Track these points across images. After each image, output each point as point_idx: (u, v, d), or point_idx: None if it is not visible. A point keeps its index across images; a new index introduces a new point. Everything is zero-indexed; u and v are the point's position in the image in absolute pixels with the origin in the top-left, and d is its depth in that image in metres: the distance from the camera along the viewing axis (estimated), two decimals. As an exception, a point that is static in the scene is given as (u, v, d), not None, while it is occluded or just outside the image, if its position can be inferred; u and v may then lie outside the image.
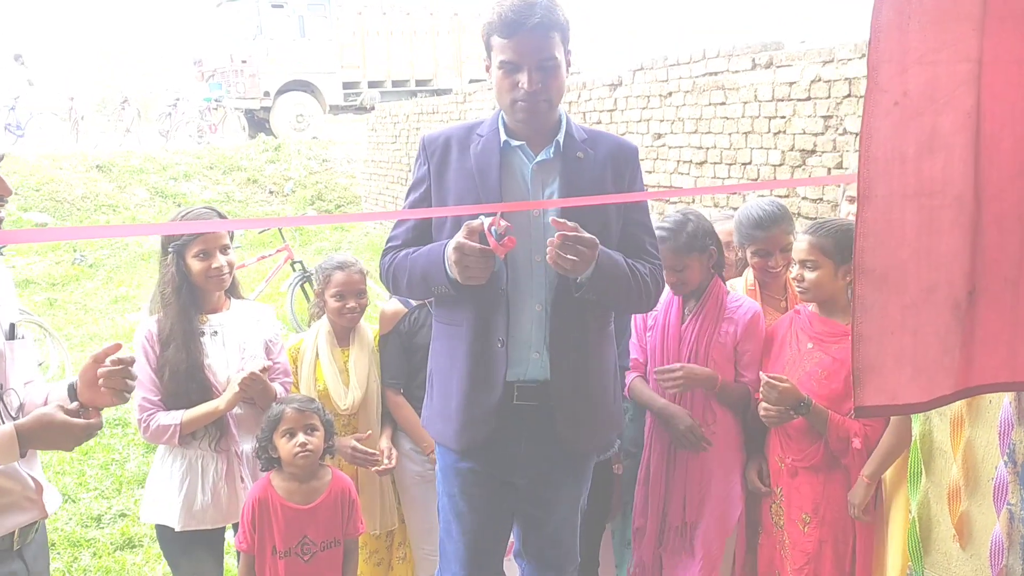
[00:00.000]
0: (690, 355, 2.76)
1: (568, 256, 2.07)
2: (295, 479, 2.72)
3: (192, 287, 2.77)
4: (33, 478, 2.07)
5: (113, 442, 5.52)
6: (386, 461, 3.05)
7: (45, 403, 2.07)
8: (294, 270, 8.54)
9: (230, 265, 2.80)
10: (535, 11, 2.15)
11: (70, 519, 4.52)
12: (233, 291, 2.94)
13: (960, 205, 1.23)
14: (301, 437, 2.66)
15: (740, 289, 3.04)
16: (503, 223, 2.05)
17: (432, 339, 2.52)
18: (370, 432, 3.08)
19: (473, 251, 2.09)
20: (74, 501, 4.71)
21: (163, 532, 2.85)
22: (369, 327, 3.24)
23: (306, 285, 8.35)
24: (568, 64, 2.28)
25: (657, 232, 2.62)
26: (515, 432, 2.37)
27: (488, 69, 2.31)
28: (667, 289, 2.86)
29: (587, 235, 2.10)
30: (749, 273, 3.07)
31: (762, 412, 2.60)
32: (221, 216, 2.89)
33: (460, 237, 2.11)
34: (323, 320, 3.17)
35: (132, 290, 10.54)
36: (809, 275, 2.59)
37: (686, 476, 2.77)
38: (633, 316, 2.92)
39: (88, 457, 5.30)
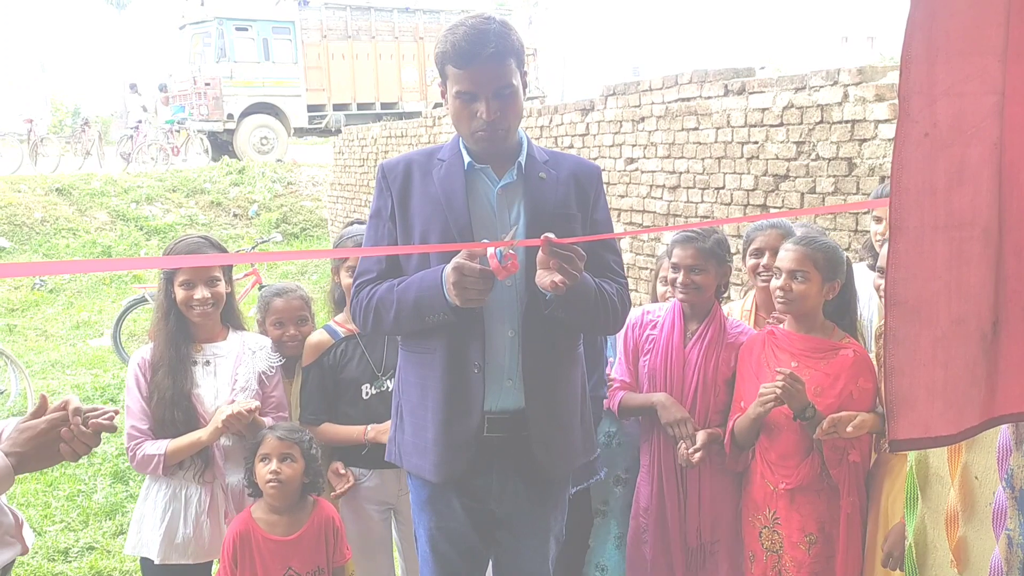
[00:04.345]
0: (696, 378, 2.75)
1: (572, 271, 2.05)
2: (275, 511, 2.67)
3: (180, 315, 2.73)
4: (12, 512, 2.02)
5: (79, 472, 5.36)
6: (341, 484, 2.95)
7: None
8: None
9: (216, 296, 2.75)
10: (489, 40, 2.13)
11: (36, 553, 4.37)
12: (233, 321, 2.90)
13: (987, 237, 1.24)
14: (273, 464, 2.61)
15: (737, 312, 3.04)
16: (511, 252, 2.03)
17: (399, 369, 2.47)
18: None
19: (473, 272, 2.05)
20: (40, 534, 4.57)
21: (146, 565, 2.79)
22: None
23: (274, 310, 8.24)
24: (525, 86, 2.27)
25: (684, 234, 2.76)
26: (489, 461, 2.33)
27: (444, 95, 2.30)
28: (667, 312, 2.86)
29: (578, 249, 2.08)
30: (749, 297, 3.08)
31: (764, 392, 2.51)
32: (214, 245, 2.82)
33: (459, 259, 2.08)
34: None
35: (94, 316, 10.35)
36: (798, 286, 2.56)
37: (699, 495, 2.76)
38: (624, 341, 2.91)
39: (53, 488, 5.15)
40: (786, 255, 2.60)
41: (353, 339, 2.97)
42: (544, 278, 2.07)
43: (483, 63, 2.14)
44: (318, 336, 3.04)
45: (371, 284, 2.33)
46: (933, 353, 1.24)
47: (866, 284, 3.05)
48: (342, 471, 2.97)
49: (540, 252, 2.07)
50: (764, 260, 2.91)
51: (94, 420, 1.84)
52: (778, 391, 2.45)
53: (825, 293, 2.60)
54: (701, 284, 2.75)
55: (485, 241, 2.15)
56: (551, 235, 2.03)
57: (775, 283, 2.62)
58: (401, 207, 2.32)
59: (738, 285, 5.41)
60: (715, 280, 2.79)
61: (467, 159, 2.30)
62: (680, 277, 2.76)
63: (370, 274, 2.35)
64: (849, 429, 2.42)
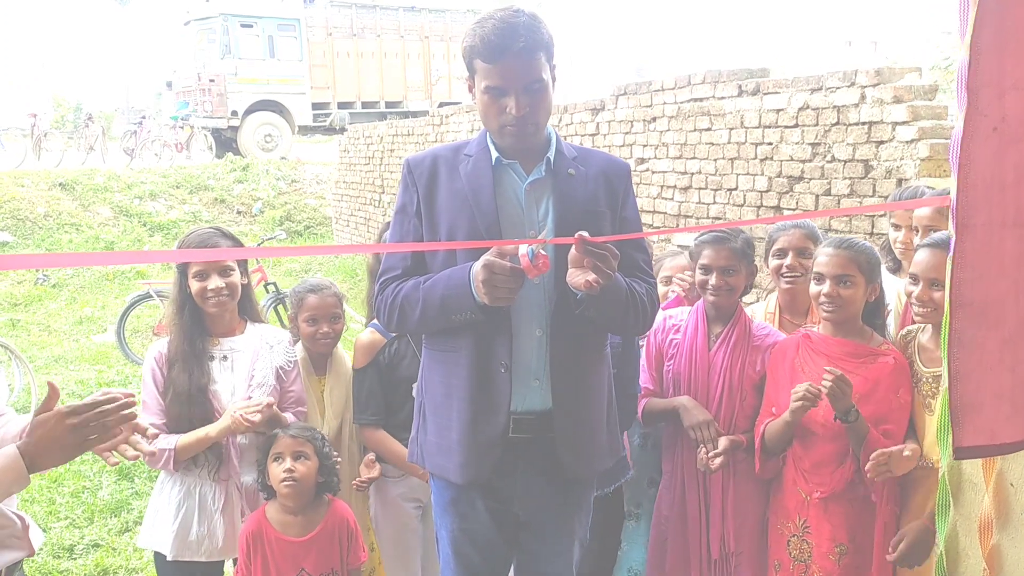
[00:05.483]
0: (722, 382, 2.68)
1: (606, 271, 2.00)
2: (289, 511, 2.63)
3: (195, 308, 2.69)
4: (18, 515, 2.02)
5: (84, 469, 5.32)
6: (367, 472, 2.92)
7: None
8: (267, 292, 8.40)
9: (231, 287, 2.70)
10: (519, 33, 2.09)
11: (41, 550, 4.31)
12: (251, 314, 2.85)
13: (1055, 235, 1.19)
14: (287, 463, 2.57)
15: (760, 314, 2.99)
16: (542, 253, 1.98)
17: (422, 368, 2.42)
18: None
19: (503, 270, 2.01)
20: (45, 531, 4.52)
21: (159, 560, 2.77)
22: (347, 355, 3.12)
23: (279, 307, 8.21)
24: (554, 79, 2.22)
25: (713, 234, 2.72)
26: (514, 462, 2.29)
27: (471, 89, 2.25)
28: (690, 315, 2.80)
29: (612, 248, 2.04)
30: (771, 299, 3.03)
31: (797, 392, 2.45)
32: (226, 236, 2.79)
33: (489, 256, 2.03)
34: (298, 346, 3.05)
35: (97, 311, 10.31)
36: (846, 291, 2.49)
37: (724, 504, 2.70)
38: (647, 345, 2.86)
39: (58, 485, 5.10)
40: (829, 260, 2.52)
41: (404, 337, 2.93)
42: (577, 277, 2.02)
43: (513, 57, 2.09)
44: (369, 336, 2.99)
45: (396, 281, 2.29)
46: (1000, 356, 1.19)
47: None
48: (373, 462, 2.94)
49: (573, 250, 2.03)
50: (788, 261, 2.85)
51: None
52: (826, 387, 2.36)
53: (867, 295, 2.54)
54: (734, 285, 2.70)
55: (515, 239, 2.11)
56: (585, 233, 1.98)
57: (816, 288, 2.54)
58: (427, 203, 2.28)
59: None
60: (745, 281, 2.74)
61: (495, 154, 2.25)
62: (712, 279, 2.69)
63: (395, 271, 2.30)
64: (907, 453, 2.36)
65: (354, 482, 2.91)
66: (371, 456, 2.95)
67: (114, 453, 1.99)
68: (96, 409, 1.77)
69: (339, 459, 2.79)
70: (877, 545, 2.49)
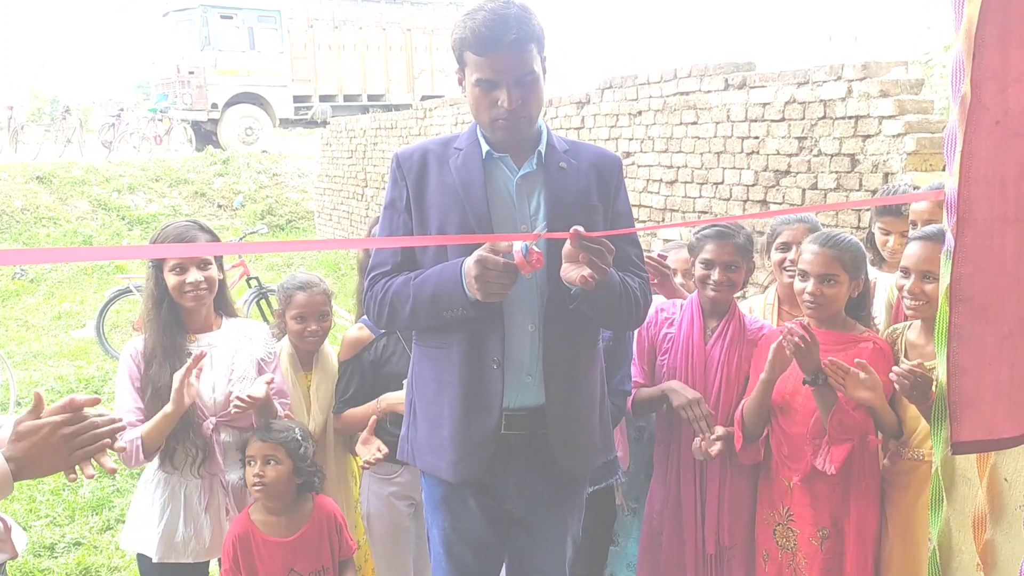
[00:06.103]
0: (720, 376, 2.68)
1: (601, 265, 1.98)
2: (272, 512, 2.60)
3: (173, 303, 2.63)
4: (0, 518, 1.95)
5: (64, 466, 5.24)
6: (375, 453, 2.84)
7: None
8: (250, 286, 8.32)
9: (209, 281, 2.65)
10: (510, 25, 2.06)
11: (21, 549, 4.27)
12: (226, 309, 2.81)
13: (1056, 231, 1.18)
14: (257, 467, 2.55)
15: (759, 307, 2.98)
16: (536, 249, 1.95)
17: (413, 364, 2.39)
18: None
19: (496, 265, 1.98)
20: (25, 529, 4.45)
21: (142, 562, 2.72)
22: (333, 351, 3.09)
23: (262, 302, 8.15)
24: (545, 71, 2.20)
25: (716, 229, 2.71)
26: (506, 459, 2.26)
27: (461, 82, 2.22)
28: (684, 309, 2.79)
29: (607, 243, 2.01)
30: (771, 291, 3.02)
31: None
32: (204, 229, 2.74)
33: (482, 251, 2.01)
34: (284, 341, 3.02)
35: (76, 306, 10.20)
36: (829, 290, 2.49)
37: (719, 499, 2.69)
38: (638, 339, 2.84)
39: (38, 482, 5.03)
40: (814, 258, 2.52)
41: (394, 334, 2.90)
42: (572, 272, 2.00)
43: (504, 50, 2.06)
44: (356, 332, 2.96)
45: (386, 277, 2.25)
46: (999, 352, 1.18)
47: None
48: (370, 438, 2.84)
49: (567, 245, 2.00)
50: (791, 255, 2.85)
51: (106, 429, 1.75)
52: (795, 343, 2.34)
53: (851, 291, 2.54)
54: (736, 281, 2.70)
55: (507, 233, 2.08)
56: (580, 228, 1.96)
57: (800, 285, 2.54)
58: (417, 198, 2.25)
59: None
60: (744, 276, 2.73)
61: (485, 148, 2.22)
62: (715, 274, 2.68)
63: (385, 267, 2.27)
64: (863, 376, 2.32)
65: (363, 463, 2.86)
66: (365, 434, 2.86)
67: (76, 469, 1.90)
68: (88, 420, 1.73)
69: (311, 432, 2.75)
70: (853, 528, 2.50)
